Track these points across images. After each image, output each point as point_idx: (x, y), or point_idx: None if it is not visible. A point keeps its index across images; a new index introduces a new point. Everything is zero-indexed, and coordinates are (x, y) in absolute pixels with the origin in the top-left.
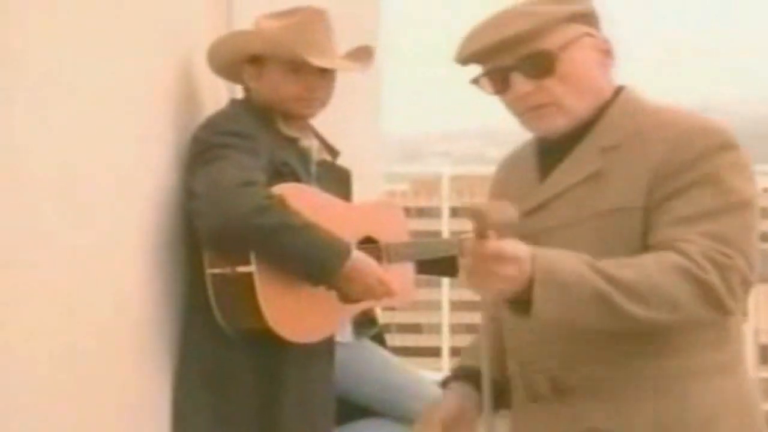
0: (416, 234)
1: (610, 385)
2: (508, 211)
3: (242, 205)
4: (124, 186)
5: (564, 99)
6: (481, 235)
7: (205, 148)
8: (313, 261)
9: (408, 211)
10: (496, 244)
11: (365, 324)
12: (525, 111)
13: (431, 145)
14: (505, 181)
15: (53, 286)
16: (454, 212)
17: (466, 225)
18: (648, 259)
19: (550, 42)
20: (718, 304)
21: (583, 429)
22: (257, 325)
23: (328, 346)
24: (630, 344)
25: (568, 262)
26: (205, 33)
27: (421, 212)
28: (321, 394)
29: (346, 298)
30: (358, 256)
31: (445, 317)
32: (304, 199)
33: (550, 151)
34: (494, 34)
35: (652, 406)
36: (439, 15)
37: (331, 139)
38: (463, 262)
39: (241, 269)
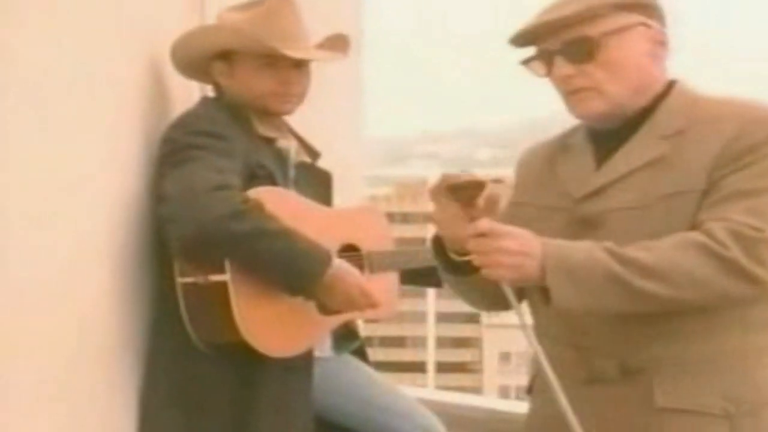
0: (400, 241)
1: (677, 365)
2: (498, 189)
3: (216, 209)
4: (88, 189)
5: (603, 84)
6: (466, 204)
7: (176, 149)
8: (292, 269)
9: (392, 217)
10: (486, 221)
11: (346, 337)
12: (566, 94)
13: (417, 147)
14: (545, 164)
15: (8, 293)
16: None
17: None
18: (667, 241)
19: (596, 28)
20: (743, 276)
21: (653, 409)
22: (231, 338)
23: (306, 361)
24: (696, 323)
25: (578, 247)
26: (177, 27)
27: (406, 218)
28: (299, 413)
29: (326, 310)
30: (338, 264)
31: (431, 330)
32: (281, 203)
33: (606, 140)
34: (544, 17)
35: (719, 384)
36: (428, 4)
37: (310, 140)
38: (471, 245)
39: (215, 278)
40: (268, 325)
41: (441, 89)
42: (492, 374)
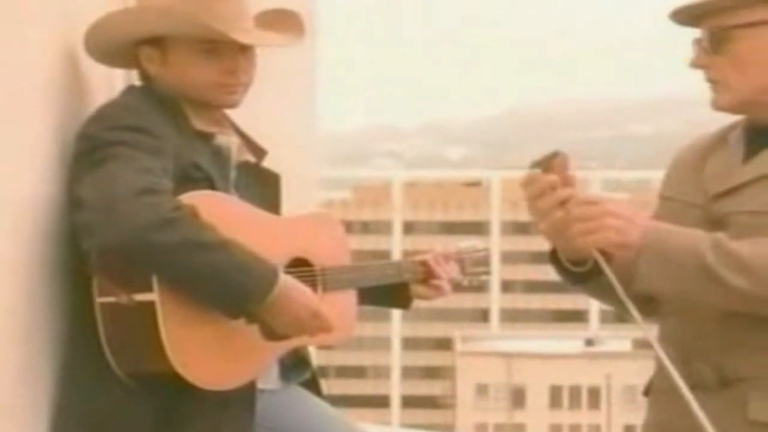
0: (360, 254)
1: None
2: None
3: (141, 217)
4: None
5: (729, 78)
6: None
7: (95, 147)
8: (231, 288)
9: (350, 226)
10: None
11: (295, 366)
12: (707, 82)
13: (378, 144)
14: (697, 160)
15: None
16: (408, 227)
17: (421, 242)
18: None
19: (732, 19)
20: None
21: (745, 422)
22: (159, 367)
23: (248, 394)
24: None
25: (685, 232)
26: (97, 7)
27: (366, 227)
28: None
29: (272, 335)
30: (286, 281)
31: (396, 358)
32: (220, 210)
33: (758, 136)
34: (696, 1)
35: None
36: None
37: (255, 136)
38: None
39: (140, 297)
40: (203, 352)
41: (405, 79)
42: (467, 410)
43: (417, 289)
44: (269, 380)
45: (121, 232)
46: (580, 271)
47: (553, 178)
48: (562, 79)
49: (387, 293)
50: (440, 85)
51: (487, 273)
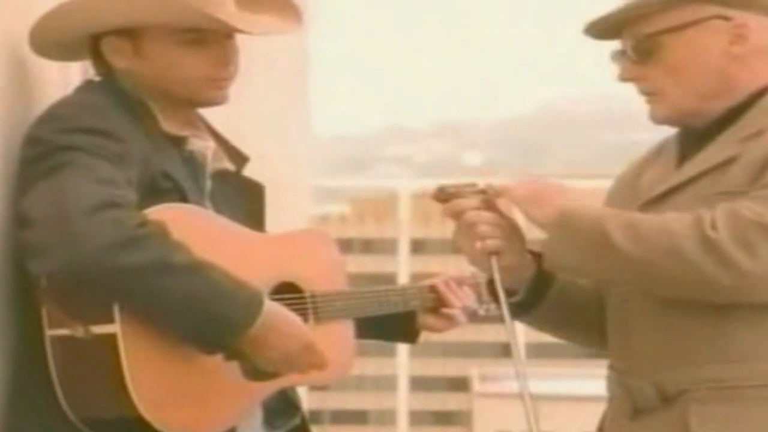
0: (360, 278)
1: (723, 389)
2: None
3: (100, 237)
4: None
5: (665, 88)
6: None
7: (46, 153)
8: (207, 318)
9: (348, 244)
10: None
11: (283, 411)
12: (641, 96)
13: (384, 148)
14: (635, 173)
15: None
16: (417, 246)
17: (432, 264)
18: (676, 213)
19: (655, 25)
20: (720, 257)
21: None
22: (121, 412)
23: None
24: (744, 341)
25: (596, 208)
26: None
27: (368, 246)
28: None
29: (255, 373)
30: (272, 310)
31: (403, 401)
32: (193, 226)
33: (690, 142)
34: (612, 11)
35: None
36: None
37: (236, 140)
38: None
39: (99, 329)
40: (173, 394)
41: (417, 74)
42: None
43: (426, 319)
44: (252, 426)
45: (77, 254)
46: (514, 302)
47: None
48: (598, 74)
49: (390, 324)
50: (457, 81)
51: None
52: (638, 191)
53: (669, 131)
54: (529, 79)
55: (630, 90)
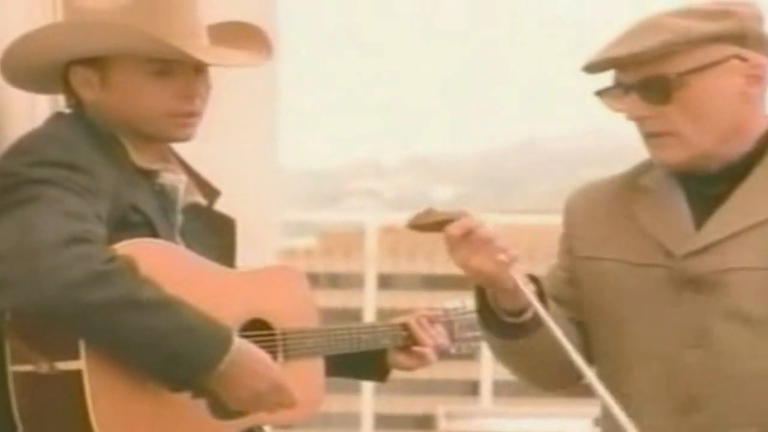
0: (326, 313)
1: None
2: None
3: (67, 272)
4: None
5: (683, 130)
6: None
7: (14, 185)
8: (174, 354)
9: (315, 279)
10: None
11: None
12: (644, 136)
13: (352, 182)
14: (617, 205)
15: None
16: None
17: (400, 299)
18: None
19: (677, 64)
20: None
21: None
22: None
23: None
24: None
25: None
26: (22, 24)
27: (335, 281)
28: None
29: (223, 411)
30: (241, 347)
31: None
32: (162, 261)
33: (701, 186)
34: (616, 50)
35: None
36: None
37: (204, 174)
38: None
39: (64, 366)
40: (139, 431)
41: (384, 108)
42: None
43: (396, 357)
44: None
45: (43, 289)
46: (518, 322)
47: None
48: (573, 111)
49: (360, 362)
50: (428, 114)
51: (481, 338)
52: (657, 238)
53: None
54: (504, 114)
55: (608, 127)
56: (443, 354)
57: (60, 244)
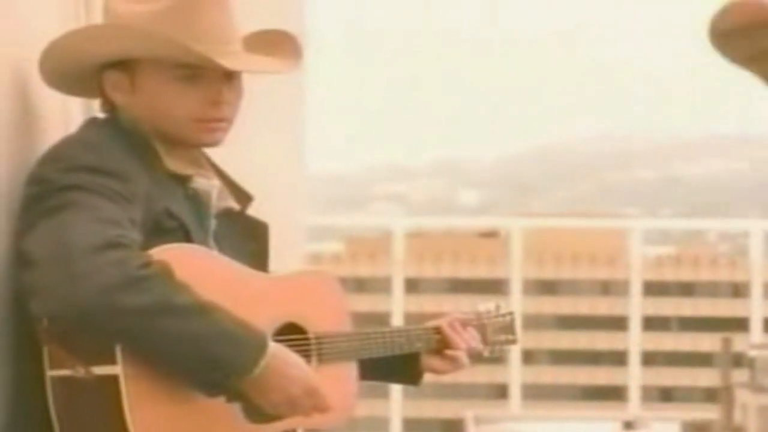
0: (354, 317)
1: None
2: None
3: (104, 277)
4: None
5: None
6: None
7: (48, 192)
8: (210, 360)
9: (342, 283)
10: None
11: None
12: None
13: (378, 186)
14: None
15: None
16: (411, 285)
17: (427, 303)
18: None
19: None
20: None
21: None
22: None
23: None
24: None
25: None
26: (51, 31)
27: (362, 285)
28: None
29: (257, 416)
30: (276, 352)
31: None
32: (196, 266)
33: None
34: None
35: None
36: (388, 6)
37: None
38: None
39: (100, 370)
40: None
41: (413, 111)
42: None
43: (429, 361)
44: None
45: (79, 295)
46: None
47: None
48: (598, 113)
49: (393, 366)
50: (454, 118)
51: (514, 341)
52: None
53: (684, 168)
54: (528, 118)
55: (630, 128)
56: (477, 358)
57: (95, 250)
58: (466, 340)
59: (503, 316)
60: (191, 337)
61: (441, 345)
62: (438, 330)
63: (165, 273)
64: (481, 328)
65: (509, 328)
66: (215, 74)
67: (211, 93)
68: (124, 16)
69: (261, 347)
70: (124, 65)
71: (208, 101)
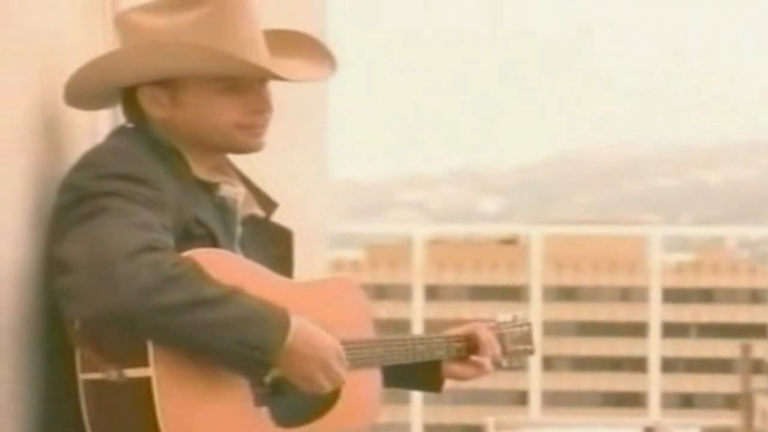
0: (374, 324)
1: None
2: None
3: (141, 279)
4: None
5: None
6: None
7: (82, 199)
8: (245, 342)
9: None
10: None
11: None
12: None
13: (399, 194)
14: None
15: None
16: (431, 292)
17: (447, 310)
18: None
19: None
20: None
21: None
22: None
23: None
24: None
25: None
26: (80, 42)
27: (382, 292)
28: None
29: (285, 419)
30: (299, 324)
31: None
32: (225, 270)
33: None
34: None
35: None
36: (410, 9)
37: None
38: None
39: (133, 373)
40: None
41: (433, 119)
42: None
43: (452, 368)
44: None
45: (121, 296)
46: None
47: None
48: (618, 120)
49: (415, 373)
50: (474, 126)
51: (531, 352)
52: None
53: (703, 175)
54: (549, 125)
55: (651, 136)
56: (497, 366)
57: (132, 253)
58: (494, 347)
59: (521, 326)
60: (225, 324)
61: (462, 353)
62: (460, 338)
63: (194, 269)
64: (501, 338)
65: (527, 339)
66: (252, 82)
67: (254, 101)
68: (147, 31)
69: (285, 321)
70: (163, 81)
71: (251, 109)
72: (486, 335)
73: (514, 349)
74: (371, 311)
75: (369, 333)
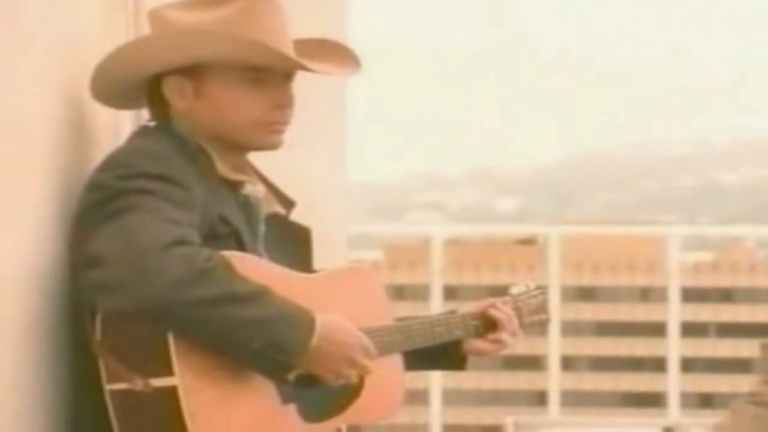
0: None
1: None
2: None
3: (173, 271)
4: None
5: None
6: None
7: (110, 198)
8: (273, 342)
9: None
10: None
11: None
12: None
13: (417, 195)
14: None
15: None
16: (450, 292)
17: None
18: None
19: None
20: None
21: None
22: None
23: None
24: None
25: None
26: (103, 41)
27: (401, 292)
28: None
29: (312, 414)
30: (324, 322)
31: None
32: (247, 269)
33: None
34: None
35: None
36: (425, 13)
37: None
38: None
39: (159, 383)
40: None
41: (449, 123)
42: None
43: (474, 344)
44: None
45: (155, 289)
46: None
47: None
48: (636, 120)
49: (436, 353)
50: (492, 127)
51: (547, 319)
52: None
53: (722, 175)
54: (566, 126)
55: (669, 136)
56: (516, 337)
57: (164, 247)
58: (512, 320)
59: (536, 296)
60: (254, 323)
61: (480, 330)
62: (476, 316)
63: (226, 264)
64: (517, 311)
65: (542, 307)
66: (277, 77)
67: (277, 96)
68: (183, 25)
69: (311, 323)
70: (188, 70)
71: (273, 104)
72: (502, 312)
73: (531, 320)
74: (387, 298)
75: (387, 319)
